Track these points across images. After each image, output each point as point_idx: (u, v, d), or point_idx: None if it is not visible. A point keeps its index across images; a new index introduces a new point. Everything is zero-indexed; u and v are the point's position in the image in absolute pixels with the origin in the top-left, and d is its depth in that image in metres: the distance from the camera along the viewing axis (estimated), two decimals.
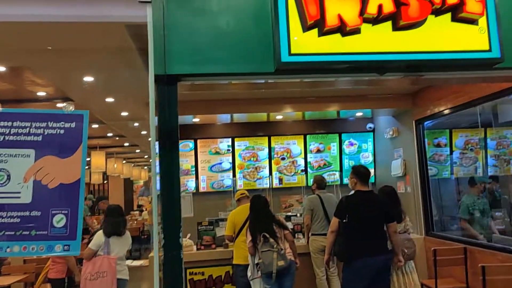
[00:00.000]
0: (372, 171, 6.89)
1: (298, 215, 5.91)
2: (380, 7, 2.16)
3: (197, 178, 6.71)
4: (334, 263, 4.98)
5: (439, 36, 2.22)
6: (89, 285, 3.92)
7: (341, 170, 6.92)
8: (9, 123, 1.70)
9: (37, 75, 5.00)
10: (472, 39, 2.23)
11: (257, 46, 2.21)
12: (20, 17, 3.22)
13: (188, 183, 6.69)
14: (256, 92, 5.30)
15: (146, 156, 15.92)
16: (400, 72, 2.34)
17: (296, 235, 5.48)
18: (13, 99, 6.07)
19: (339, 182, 6.81)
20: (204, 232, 5.37)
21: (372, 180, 6.82)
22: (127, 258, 4.76)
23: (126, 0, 2.97)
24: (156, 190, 1.80)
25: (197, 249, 5.26)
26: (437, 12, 2.22)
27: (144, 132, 8.97)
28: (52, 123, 1.71)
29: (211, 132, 6.83)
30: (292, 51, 2.15)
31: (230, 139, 6.79)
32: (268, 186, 6.74)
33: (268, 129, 6.88)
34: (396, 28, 2.21)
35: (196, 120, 6.53)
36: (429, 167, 5.86)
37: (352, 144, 7.01)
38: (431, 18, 2.22)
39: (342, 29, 2.17)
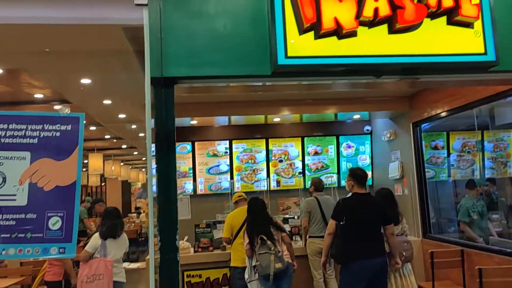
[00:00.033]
0: (369, 173, 6.90)
1: (296, 217, 5.91)
2: (376, 10, 2.17)
3: (194, 180, 6.71)
4: (332, 266, 4.98)
5: (435, 39, 2.23)
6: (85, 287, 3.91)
7: (338, 173, 6.93)
8: (5, 126, 1.70)
9: (34, 77, 5.00)
10: (468, 42, 2.25)
11: (253, 49, 2.22)
12: (17, 19, 3.22)
13: (186, 185, 6.69)
14: (253, 94, 5.31)
15: (144, 158, 15.89)
16: (396, 75, 2.35)
17: (293, 237, 5.48)
18: (10, 101, 6.06)
19: (336, 185, 6.81)
20: (201, 234, 5.36)
21: (369, 182, 6.83)
22: (125, 261, 4.75)
23: (123, 3, 2.97)
24: (152, 193, 1.80)
25: (195, 251, 5.25)
26: (433, 16, 2.23)
27: (142, 134, 8.96)
28: (48, 125, 1.71)
29: (209, 134, 6.84)
30: (289, 54, 2.15)
31: (227, 142, 6.80)
32: (265, 188, 6.75)
33: (265, 132, 6.89)
34: (392, 31, 2.23)
35: (194, 122, 6.54)
36: (426, 170, 5.87)
37: (349, 147, 7.02)
38: (427, 21, 2.23)
39: (339, 32, 2.18)
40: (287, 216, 6.08)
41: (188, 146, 6.74)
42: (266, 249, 4.02)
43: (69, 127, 1.73)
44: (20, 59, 4.14)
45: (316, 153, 6.93)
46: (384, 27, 2.22)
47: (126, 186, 18.83)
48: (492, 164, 6.07)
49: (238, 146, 6.81)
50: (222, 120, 6.58)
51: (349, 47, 2.20)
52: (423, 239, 5.65)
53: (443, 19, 2.24)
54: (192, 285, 4.95)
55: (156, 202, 2.09)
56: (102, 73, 4.60)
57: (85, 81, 4.82)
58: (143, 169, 20.57)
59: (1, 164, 1.66)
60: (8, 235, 1.65)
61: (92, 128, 8.56)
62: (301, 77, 2.30)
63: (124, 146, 12.02)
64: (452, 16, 2.23)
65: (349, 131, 7.05)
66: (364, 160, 7.05)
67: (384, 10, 2.17)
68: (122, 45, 3.56)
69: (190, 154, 6.73)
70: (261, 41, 2.21)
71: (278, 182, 6.83)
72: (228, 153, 6.78)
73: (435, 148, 6.23)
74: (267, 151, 6.83)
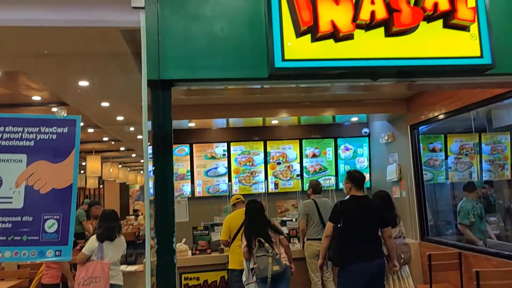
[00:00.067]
0: (367, 176, 6.91)
1: (294, 220, 5.91)
2: (372, 13, 2.18)
3: (192, 182, 6.71)
4: (329, 268, 4.98)
5: (431, 43, 2.24)
6: None
7: (336, 175, 6.94)
8: (1, 128, 1.69)
9: (33, 79, 5.00)
10: (464, 45, 2.25)
11: (251, 51, 2.23)
12: (15, 21, 3.23)
13: (184, 187, 6.68)
14: (251, 97, 5.32)
15: (142, 161, 15.86)
16: (392, 78, 2.35)
17: (291, 240, 5.48)
18: (8, 104, 6.06)
19: (334, 187, 6.82)
20: (199, 236, 5.36)
21: (367, 185, 6.83)
22: (122, 263, 4.74)
23: (121, 5, 2.98)
24: (149, 195, 1.80)
25: (192, 254, 5.24)
26: (429, 19, 2.24)
27: (140, 137, 8.96)
28: (44, 128, 1.71)
29: (207, 137, 6.84)
30: (286, 57, 2.16)
31: (225, 144, 6.80)
32: (263, 190, 6.75)
33: (263, 134, 6.89)
34: (388, 34, 2.23)
35: (192, 124, 6.54)
36: (424, 172, 5.88)
37: (347, 149, 7.03)
38: (423, 24, 2.24)
39: (335, 35, 2.19)
40: (285, 218, 6.09)
41: (186, 148, 6.74)
42: (264, 251, 4.01)
43: (65, 130, 1.73)
44: (19, 61, 4.14)
45: (314, 156, 6.94)
46: (381, 30, 2.23)
47: (124, 188, 18.81)
48: (490, 167, 6.08)
49: (236, 149, 6.81)
50: (220, 123, 6.58)
51: (346, 50, 2.20)
52: (420, 241, 5.65)
53: (439, 22, 2.25)
54: None
55: (153, 204, 2.09)
56: (100, 75, 4.60)
57: (83, 83, 4.83)
58: (141, 172, 20.54)
59: None
60: (4, 238, 1.65)
61: (90, 130, 8.55)
62: (298, 79, 2.31)
63: (122, 148, 12.01)
64: (448, 20, 2.24)
65: (347, 134, 7.06)
66: (362, 163, 7.06)
67: (381, 13, 2.18)
68: (120, 47, 3.56)
69: (188, 157, 6.73)
70: (258, 44, 2.21)
71: (276, 185, 6.83)
72: (226, 155, 6.78)
73: (433, 150, 6.24)
74: (265, 153, 6.84)
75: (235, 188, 6.72)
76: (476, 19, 2.25)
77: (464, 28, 2.25)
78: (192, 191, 6.68)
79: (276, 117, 6.24)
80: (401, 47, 2.23)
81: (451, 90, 4.66)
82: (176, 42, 2.18)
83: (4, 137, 1.68)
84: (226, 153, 6.78)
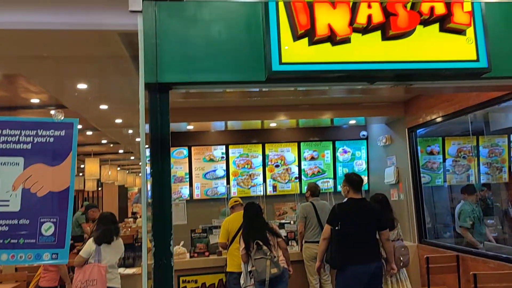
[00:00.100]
0: (365, 178, 6.92)
1: (292, 222, 5.91)
2: (369, 17, 2.19)
3: (191, 185, 6.71)
4: (327, 271, 4.98)
5: (428, 46, 2.25)
6: None
7: (335, 178, 6.94)
8: None
9: (31, 82, 5.00)
10: (460, 49, 2.27)
11: (248, 55, 2.23)
12: (13, 25, 3.23)
13: (182, 190, 6.68)
14: (250, 100, 5.33)
15: (141, 163, 15.82)
16: (389, 81, 2.36)
17: (289, 242, 5.47)
18: (7, 106, 6.06)
19: (332, 190, 6.82)
20: (197, 239, 5.36)
21: (365, 187, 6.84)
22: (120, 266, 4.73)
23: (119, 9, 2.99)
24: (146, 198, 1.81)
25: (190, 256, 5.24)
26: (426, 23, 2.25)
27: (138, 139, 8.92)
28: (41, 131, 1.71)
29: (205, 139, 6.84)
30: (283, 60, 2.17)
31: (224, 147, 6.81)
32: (262, 193, 6.75)
33: (262, 137, 6.90)
34: (385, 37, 2.24)
35: (190, 127, 6.54)
36: (422, 175, 5.89)
37: (345, 152, 7.04)
38: (419, 28, 2.25)
39: (332, 39, 2.20)
40: (283, 221, 6.09)
41: (185, 151, 6.74)
42: (261, 254, 4.01)
43: (62, 133, 1.73)
44: (17, 64, 4.14)
45: (312, 158, 6.95)
46: (378, 33, 2.24)
47: (122, 191, 18.76)
48: (487, 170, 6.10)
49: (235, 151, 6.82)
50: (218, 125, 6.59)
51: (343, 53, 2.21)
52: (418, 244, 5.66)
53: (436, 26, 2.26)
54: None
55: (150, 207, 2.09)
56: (98, 78, 4.60)
57: (82, 86, 4.83)
58: (140, 174, 20.47)
59: None
60: (1, 241, 1.65)
61: (89, 133, 8.55)
62: (295, 83, 2.32)
63: (121, 151, 12.00)
64: (445, 23, 2.25)
65: (345, 136, 7.08)
66: (360, 165, 7.06)
67: (377, 17, 2.19)
68: (119, 50, 3.57)
69: (187, 159, 6.73)
70: (256, 48, 2.22)
71: (274, 187, 6.83)
72: (225, 158, 6.79)
73: (431, 153, 6.25)
74: (264, 156, 6.84)
75: (234, 190, 6.72)
76: (472, 23, 2.27)
77: (460, 32, 2.27)
78: (191, 194, 6.68)
79: (275, 120, 6.25)
80: (398, 51, 2.24)
81: (448, 93, 4.68)
82: (174, 46, 2.19)
83: (1, 140, 1.69)
84: (224, 155, 6.79)
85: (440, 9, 2.22)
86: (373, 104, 5.98)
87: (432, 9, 2.22)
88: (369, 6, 2.19)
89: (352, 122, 6.83)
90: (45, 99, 5.84)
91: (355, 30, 2.21)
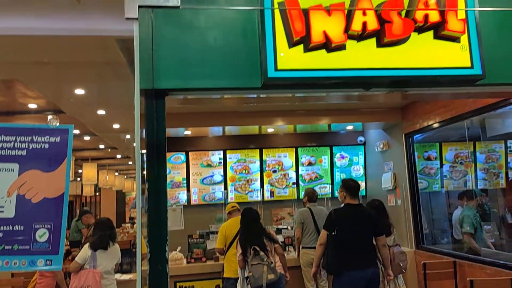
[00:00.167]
0: (362, 184, 6.93)
1: (289, 228, 5.91)
2: (364, 24, 2.20)
3: (188, 190, 6.70)
4: (325, 277, 4.97)
5: (422, 53, 2.27)
6: None
7: (332, 183, 6.95)
8: None
9: (29, 87, 5.01)
10: (454, 56, 2.28)
11: (244, 61, 2.24)
12: (12, 30, 3.25)
13: (180, 195, 6.67)
14: (247, 105, 5.35)
15: (136, 169, 15.79)
16: (384, 87, 2.37)
17: (286, 248, 5.47)
18: (4, 112, 6.06)
19: (330, 195, 6.82)
20: (194, 245, 5.35)
21: (363, 193, 6.85)
22: (117, 272, 4.71)
23: (116, 15, 3.00)
24: (141, 204, 1.81)
25: (187, 262, 5.23)
26: (420, 30, 2.27)
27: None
28: (37, 137, 1.71)
29: (203, 145, 6.85)
30: (278, 67, 2.18)
31: (221, 152, 6.81)
32: (259, 199, 6.74)
33: (259, 142, 6.91)
34: (380, 44, 2.26)
35: (188, 132, 6.55)
36: (419, 180, 5.90)
37: (343, 157, 7.05)
38: (414, 35, 2.27)
39: (328, 46, 2.21)
40: (280, 226, 6.08)
41: (182, 156, 6.74)
42: (259, 260, 4.01)
43: (58, 139, 1.73)
44: (15, 70, 4.15)
45: (310, 164, 6.95)
46: (373, 40, 2.26)
47: (120, 196, 18.72)
48: (485, 175, 6.11)
49: (232, 157, 6.82)
50: (216, 131, 6.60)
51: (338, 60, 2.22)
52: (416, 250, 5.66)
53: (430, 33, 2.28)
54: None
55: (146, 213, 2.09)
56: (96, 83, 4.62)
57: (79, 91, 4.84)
58: None
59: None
60: None
61: (86, 138, 8.54)
62: (291, 89, 2.33)
63: (118, 156, 11.98)
64: (439, 31, 2.27)
65: (343, 142, 7.09)
66: (357, 171, 7.07)
67: (372, 24, 2.21)
68: (116, 56, 3.59)
69: (184, 164, 6.73)
70: (251, 54, 2.24)
71: (272, 193, 6.83)
72: (222, 163, 6.79)
73: (428, 159, 6.27)
74: (261, 161, 6.84)
75: (231, 196, 6.72)
76: (466, 30, 2.28)
77: (455, 39, 2.28)
78: (188, 199, 6.67)
79: (272, 126, 6.26)
80: (393, 58, 2.26)
81: (444, 99, 4.70)
82: (170, 52, 2.20)
83: None
84: (222, 161, 6.79)
85: (434, 16, 2.24)
86: (370, 110, 6.00)
87: (426, 16, 2.23)
88: (364, 14, 2.20)
89: (350, 127, 6.85)
90: (43, 105, 5.84)
91: (350, 37, 2.22)
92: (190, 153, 6.76)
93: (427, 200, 6.21)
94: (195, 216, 6.33)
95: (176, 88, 2.22)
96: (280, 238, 5.26)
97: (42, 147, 1.72)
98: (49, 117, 1.79)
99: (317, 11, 2.19)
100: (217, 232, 4.98)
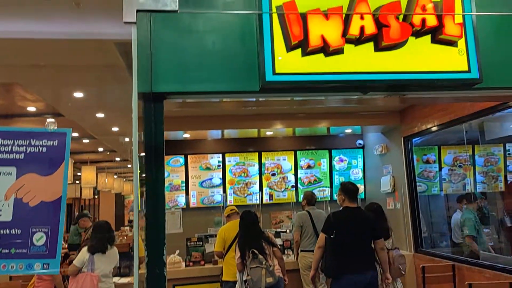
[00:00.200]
0: (361, 187, 6.93)
1: (288, 231, 5.90)
2: (362, 28, 2.21)
3: (187, 193, 6.70)
4: (324, 280, 4.96)
5: (420, 57, 2.28)
6: None
7: (331, 186, 6.95)
8: None
9: (28, 90, 5.02)
10: (452, 60, 2.29)
11: (242, 65, 2.25)
12: (12, 34, 3.26)
13: (178, 198, 6.67)
14: (246, 108, 5.35)
15: (133, 173, 15.78)
16: (382, 91, 2.38)
17: (285, 251, 5.46)
18: (3, 114, 6.07)
19: (329, 198, 6.82)
20: (193, 248, 5.34)
21: (362, 196, 6.85)
22: (115, 275, 4.70)
23: (115, 19, 3.01)
24: (137, 208, 1.81)
25: (186, 265, 5.22)
26: (417, 34, 2.28)
27: None
28: (34, 141, 1.72)
29: (202, 148, 6.85)
30: (277, 71, 2.18)
31: (220, 155, 6.81)
32: (258, 202, 6.74)
33: (258, 145, 6.91)
34: (378, 48, 2.26)
35: (187, 135, 6.55)
36: (418, 184, 5.91)
37: (342, 160, 7.05)
38: (411, 39, 2.28)
39: (325, 49, 2.22)
40: (279, 230, 6.07)
41: (181, 159, 6.74)
42: (257, 263, 4.01)
43: (56, 143, 1.74)
44: (14, 73, 4.16)
45: (309, 167, 6.96)
46: (370, 44, 2.26)
47: (119, 199, 18.70)
48: (483, 178, 6.12)
49: (231, 160, 6.82)
50: (215, 134, 6.60)
51: (336, 64, 2.23)
52: (415, 253, 5.65)
53: (428, 37, 2.29)
54: None
55: (144, 216, 2.09)
56: (95, 86, 4.63)
57: (78, 94, 4.85)
58: None
59: None
60: None
61: (85, 140, 8.55)
62: (289, 93, 2.33)
63: (117, 159, 11.99)
64: (436, 35, 2.28)
65: (342, 145, 7.09)
66: (356, 174, 7.07)
67: (370, 28, 2.22)
68: (115, 59, 3.60)
69: (183, 167, 6.73)
70: (250, 58, 2.24)
71: (270, 196, 6.83)
72: (221, 166, 6.79)
73: (427, 162, 6.28)
74: (260, 164, 6.85)
75: (230, 199, 6.71)
76: (463, 34, 2.29)
77: (452, 43, 2.29)
78: (187, 202, 6.67)
79: (271, 129, 6.26)
80: (391, 62, 2.26)
81: (442, 103, 4.71)
82: (168, 56, 2.20)
83: None
84: (221, 164, 6.79)
85: (431, 21, 2.25)
86: (369, 113, 6.01)
87: (424, 21, 2.24)
88: (362, 18, 2.21)
89: (348, 131, 6.85)
90: (42, 108, 5.85)
91: (348, 41, 2.23)
92: (189, 156, 6.76)
93: (426, 203, 6.21)
94: (194, 219, 6.33)
95: (174, 92, 2.22)
96: (278, 241, 5.25)
97: (40, 150, 1.73)
98: (48, 120, 1.79)
99: (315, 15, 2.20)
100: (215, 235, 4.97)
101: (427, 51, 2.28)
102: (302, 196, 5.77)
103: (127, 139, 7.85)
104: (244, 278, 4.07)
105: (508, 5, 2.41)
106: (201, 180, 6.74)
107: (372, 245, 3.78)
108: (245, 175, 6.80)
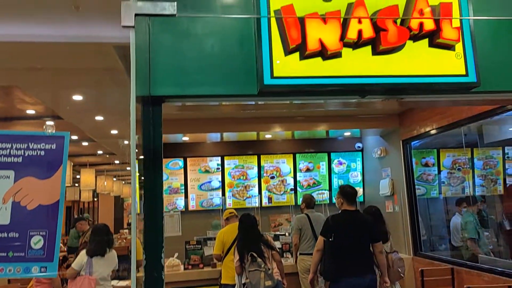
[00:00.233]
0: (360, 190, 6.93)
1: (287, 234, 5.90)
2: (360, 32, 2.22)
3: (186, 196, 6.69)
4: (322, 283, 4.95)
5: (418, 61, 2.29)
6: None
7: (330, 189, 6.95)
8: None
9: (27, 93, 5.02)
10: (449, 64, 2.30)
11: (240, 69, 2.26)
12: (11, 37, 3.26)
13: (177, 201, 6.67)
14: (245, 111, 5.36)
15: (131, 176, 15.76)
16: (380, 95, 2.39)
17: (284, 254, 5.46)
18: (3, 117, 6.07)
19: (328, 201, 6.82)
20: (192, 251, 5.33)
21: (361, 199, 6.85)
22: (114, 278, 4.69)
23: (114, 22, 3.02)
24: (135, 211, 1.81)
25: (185, 268, 5.21)
26: (415, 38, 2.29)
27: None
28: (32, 144, 1.72)
29: (201, 151, 6.85)
30: (275, 74, 2.19)
31: (219, 158, 6.82)
32: (257, 205, 6.74)
33: (257, 148, 6.92)
34: (375, 52, 2.27)
35: (186, 138, 6.56)
36: (417, 187, 5.91)
37: (341, 163, 7.06)
38: (409, 43, 2.29)
39: (323, 53, 2.23)
40: (278, 233, 6.07)
41: (180, 162, 6.74)
42: (256, 266, 4.00)
43: (53, 146, 1.74)
44: (14, 76, 4.17)
45: (308, 170, 6.96)
46: (368, 48, 2.27)
47: (118, 201, 18.68)
48: (482, 182, 6.12)
49: (230, 163, 6.82)
50: (214, 137, 6.61)
51: (334, 67, 2.24)
52: (414, 256, 5.65)
53: (425, 41, 2.30)
54: None
55: (142, 219, 2.10)
56: (94, 89, 4.63)
57: (77, 97, 4.85)
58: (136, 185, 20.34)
59: None
60: None
61: (85, 143, 8.55)
62: (287, 96, 2.34)
63: (116, 162, 11.97)
64: (434, 39, 2.29)
65: (341, 148, 7.10)
66: (355, 177, 7.08)
67: (368, 32, 2.23)
68: (114, 62, 3.60)
69: (182, 170, 6.73)
70: (248, 61, 2.25)
71: (269, 199, 6.82)
72: (220, 169, 6.79)
73: (426, 165, 6.28)
74: (259, 167, 6.85)
75: (229, 202, 6.71)
76: (461, 38, 2.30)
77: (449, 47, 2.30)
78: (186, 205, 6.66)
79: (270, 132, 6.27)
80: (388, 65, 2.27)
81: (440, 106, 4.72)
82: (167, 59, 2.21)
83: None
84: (220, 167, 6.79)
85: (429, 25, 2.26)
86: (368, 117, 6.02)
87: (421, 25, 2.25)
88: (360, 22, 2.22)
89: (347, 134, 6.86)
90: (41, 111, 5.85)
91: (346, 45, 2.24)
92: (188, 159, 6.76)
93: (425, 206, 6.21)
94: (193, 222, 6.33)
95: (173, 95, 2.23)
96: (277, 244, 5.25)
97: (38, 154, 1.73)
98: (46, 123, 1.80)
99: (313, 19, 2.21)
100: (214, 238, 4.97)
101: (425, 55, 2.30)
102: (301, 199, 5.77)
103: (126, 142, 7.84)
104: (243, 281, 4.06)
105: (505, 9, 2.42)
106: (200, 183, 6.74)
107: (371, 249, 3.78)
108: (244, 178, 6.80)
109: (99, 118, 5.88)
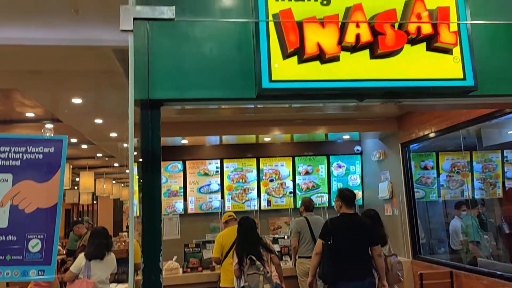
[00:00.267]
0: (359, 193, 6.93)
1: (286, 237, 5.90)
2: (357, 36, 2.23)
3: (185, 199, 6.69)
4: (321, 287, 4.95)
5: (415, 65, 2.29)
6: None
7: (329, 192, 6.95)
8: None
9: (26, 96, 5.03)
10: (447, 67, 2.31)
11: (239, 72, 2.27)
12: (11, 40, 3.27)
13: (176, 204, 6.66)
14: (244, 114, 5.36)
15: (129, 179, 15.77)
16: (378, 98, 2.40)
17: (283, 257, 5.45)
18: (2, 120, 6.07)
19: (327, 204, 6.82)
20: (190, 254, 5.33)
21: (360, 202, 6.85)
22: (113, 281, 4.69)
23: (113, 25, 3.03)
24: (133, 213, 1.82)
25: (183, 271, 5.21)
26: (413, 42, 2.30)
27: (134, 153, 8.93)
28: (31, 147, 1.73)
29: (200, 154, 6.85)
30: (273, 78, 2.20)
31: (219, 161, 6.81)
32: (256, 208, 6.74)
33: (256, 151, 6.92)
34: (373, 56, 2.28)
35: (185, 141, 6.56)
36: (416, 190, 5.91)
37: (340, 166, 7.06)
38: (407, 47, 2.29)
39: (321, 57, 2.24)
40: (277, 236, 6.07)
41: (179, 165, 6.74)
42: (255, 269, 4.00)
43: (52, 149, 1.75)
44: (13, 79, 4.17)
45: (307, 173, 6.96)
46: (366, 52, 2.28)
47: (118, 204, 18.66)
48: (481, 185, 6.12)
49: (229, 165, 6.82)
50: (213, 140, 6.61)
51: (332, 71, 2.25)
52: (413, 260, 5.64)
53: (423, 45, 2.31)
54: None
55: (140, 222, 2.10)
56: (93, 92, 4.64)
57: (77, 100, 4.86)
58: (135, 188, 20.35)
59: None
60: None
61: (84, 146, 8.55)
62: (285, 100, 2.35)
63: (116, 164, 11.98)
64: (431, 43, 2.30)
65: (340, 151, 7.10)
66: (354, 180, 7.08)
67: (366, 36, 2.23)
68: (113, 66, 3.61)
69: (181, 173, 6.73)
70: (246, 65, 2.26)
71: (269, 202, 6.82)
72: (219, 172, 6.79)
73: (425, 168, 6.28)
74: (258, 170, 6.85)
75: (228, 205, 6.71)
76: (458, 42, 2.31)
77: (447, 51, 2.31)
78: (185, 208, 6.66)
79: (269, 135, 6.27)
80: (386, 69, 2.28)
81: (438, 110, 4.73)
82: (166, 63, 2.22)
83: None
84: (219, 170, 6.79)
85: (427, 29, 2.27)
86: (367, 120, 6.03)
87: (419, 29, 2.26)
88: (357, 26, 2.23)
89: (347, 137, 6.87)
90: (40, 114, 5.86)
91: (344, 48, 2.25)
92: (187, 162, 6.76)
93: (424, 209, 6.21)
94: (192, 225, 6.32)
95: (171, 99, 2.24)
96: (276, 247, 5.24)
97: (36, 157, 1.73)
98: (45, 127, 1.80)
99: (311, 23, 2.22)
100: (213, 242, 4.97)
101: (423, 58, 2.30)
102: (300, 202, 5.77)
103: (125, 145, 7.84)
104: (242, 285, 4.05)
105: (503, 13, 2.43)
106: (199, 186, 6.74)
107: (370, 252, 3.78)
108: (243, 181, 6.80)
109: (98, 121, 5.88)
